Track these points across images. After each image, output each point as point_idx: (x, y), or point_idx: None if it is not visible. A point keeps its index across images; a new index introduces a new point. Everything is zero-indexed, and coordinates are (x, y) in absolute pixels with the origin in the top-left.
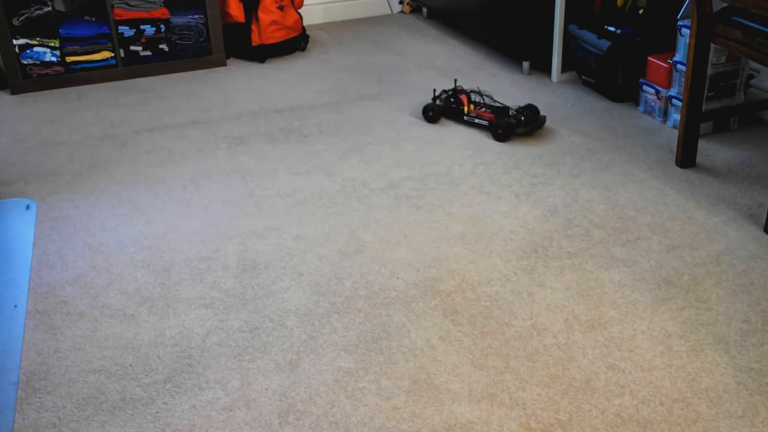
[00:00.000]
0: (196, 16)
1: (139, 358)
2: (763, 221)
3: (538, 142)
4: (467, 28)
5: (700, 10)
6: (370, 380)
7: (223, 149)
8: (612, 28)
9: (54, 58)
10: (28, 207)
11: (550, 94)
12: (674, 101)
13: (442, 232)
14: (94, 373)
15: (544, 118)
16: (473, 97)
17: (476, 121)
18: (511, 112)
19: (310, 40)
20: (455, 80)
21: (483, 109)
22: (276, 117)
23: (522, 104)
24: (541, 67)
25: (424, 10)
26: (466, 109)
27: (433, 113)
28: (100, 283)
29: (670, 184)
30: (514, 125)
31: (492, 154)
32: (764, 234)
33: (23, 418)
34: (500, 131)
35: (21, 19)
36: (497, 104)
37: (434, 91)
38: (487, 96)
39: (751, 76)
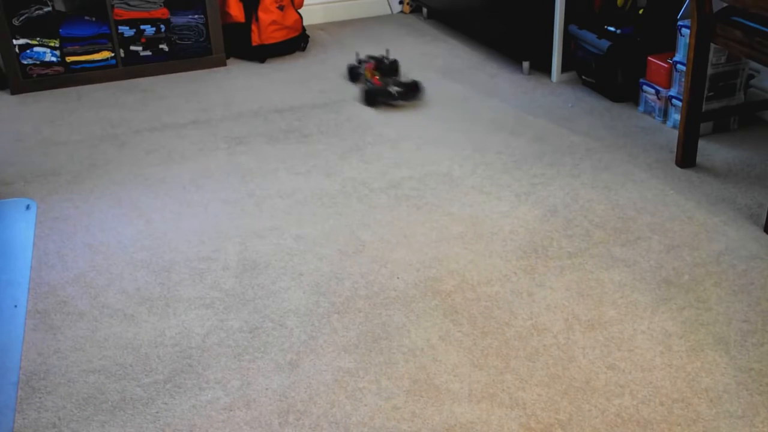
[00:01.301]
0: (196, 16)
1: (139, 358)
2: (763, 221)
3: (538, 142)
4: (467, 28)
5: (700, 10)
6: (370, 380)
7: (223, 149)
8: (612, 28)
9: (54, 58)
10: (28, 207)
11: (550, 94)
12: (674, 101)
13: (442, 232)
14: (94, 373)
15: (418, 94)
16: (379, 64)
17: (367, 84)
18: (390, 82)
19: (310, 40)
20: (387, 50)
21: (377, 77)
22: (276, 117)
23: (410, 80)
24: (541, 67)
25: (424, 10)
26: (368, 74)
27: (351, 73)
28: (100, 283)
29: (670, 184)
30: (376, 92)
31: (492, 154)
32: (764, 234)
33: (23, 418)
34: (365, 94)
35: (21, 19)
36: (396, 78)
37: (357, 54)
38: (393, 66)
39: (751, 76)
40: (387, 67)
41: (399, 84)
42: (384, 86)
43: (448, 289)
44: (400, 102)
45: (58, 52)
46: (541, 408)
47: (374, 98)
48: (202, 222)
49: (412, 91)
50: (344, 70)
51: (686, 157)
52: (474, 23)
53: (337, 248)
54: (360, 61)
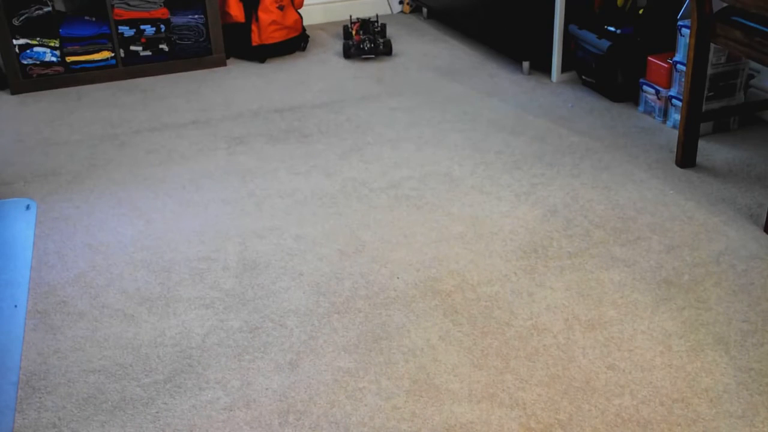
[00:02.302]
0: (196, 16)
1: (139, 358)
2: (763, 221)
3: (538, 142)
4: (467, 28)
5: (700, 10)
6: (370, 380)
7: (223, 149)
8: (612, 28)
9: (54, 58)
10: (28, 207)
11: (550, 94)
12: (674, 101)
13: (442, 232)
14: (94, 373)
15: (389, 50)
16: (365, 25)
17: (348, 40)
18: (366, 39)
19: (310, 40)
20: (377, 15)
21: (359, 35)
22: (276, 117)
23: (385, 39)
24: (541, 67)
25: (424, 10)
26: (353, 32)
27: (345, 32)
28: (100, 283)
29: (670, 184)
30: (350, 46)
31: (492, 154)
32: (764, 234)
33: (23, 418)
34: (344, 50)
35: (21, 19)
36: (377, 38)
37: (351, 16)
38: (377, 28)
39: (751, 76)
40: (373, 29)
41: (373, 41)
42: (359, 42)
43: (448, 289)
44: (370, 55)
45: (58, 52)
46: (541, 408)
47: (348, 51)
48: (202, 222)
49: (381, 47)
50: (344, 69)
51: (686, 157)
52: (474, 23)
53: (337, 248)
54: (353, 23)
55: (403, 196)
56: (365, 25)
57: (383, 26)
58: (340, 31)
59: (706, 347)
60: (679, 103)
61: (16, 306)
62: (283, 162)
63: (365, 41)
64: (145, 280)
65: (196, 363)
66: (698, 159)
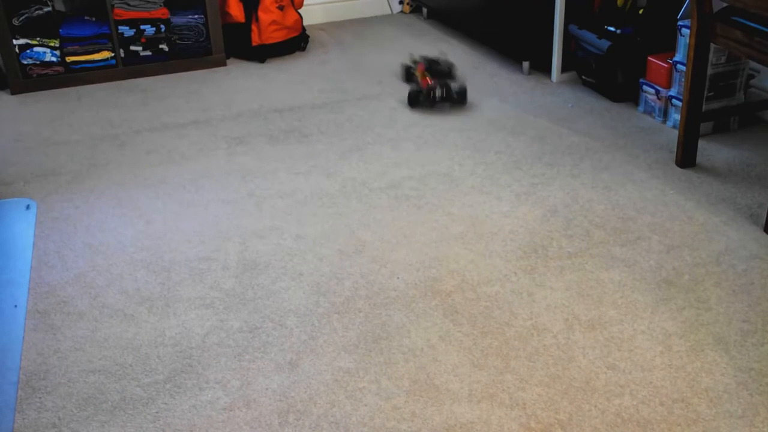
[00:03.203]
0: (196, 16)
1: (139, 358)
2: (763, 221)
3: (537, 142)
4: (467, 28)
5: (700, 10)
6: (370, 380)
7: (223, 149)
8: (612, 28)
9: (54, 58)
10: (28, 207)
11: (550, 94)
12: (674, 101)
13: (442, 232)
14: (94, 373)
15: (464, 99)
16: (432, 66)
17: (413, 85)
18: (437, 85)
19: (310, 40)
20: (443, 52)
21: (427, 77)
22: (276, 117)
23: (460, 85)
24: (541, 67)
25: (424, 10)
26: (419, 75)
27: (406, 73)
28: (100, 283)
29: (670, 184)
30: (417, 93)
31: (492, 154)
32: (764, 234)
33: (23, 418)
34: (410, 98)
35: (21, 19)
36: (447, 81)
37: (411, 54)
38: (447, 67)
39: (751, 76)
40: (440, 70)
41: (445, 88)
42: (429, 89)
43: (448, 289)
44: (444, 105)
45: (58, 52)
46: (541, 408)
47: (415, 100)
48: (202, 222)
49: (455, 97)
50: (344, 70)
51: (686, 157)
52: (474, 23)
53: (337, 248)
54: (415, 62)
55: (403, 196)
56: (432, 65)
57: (451, 65)
58: (341, 31)
59: (706, 347)
60: (679, 103)
61: (16, 306)
62: (283, 162)
63: (435, 88)
64: (145, 280)
65: (196, 363)
66: (698, 159)
